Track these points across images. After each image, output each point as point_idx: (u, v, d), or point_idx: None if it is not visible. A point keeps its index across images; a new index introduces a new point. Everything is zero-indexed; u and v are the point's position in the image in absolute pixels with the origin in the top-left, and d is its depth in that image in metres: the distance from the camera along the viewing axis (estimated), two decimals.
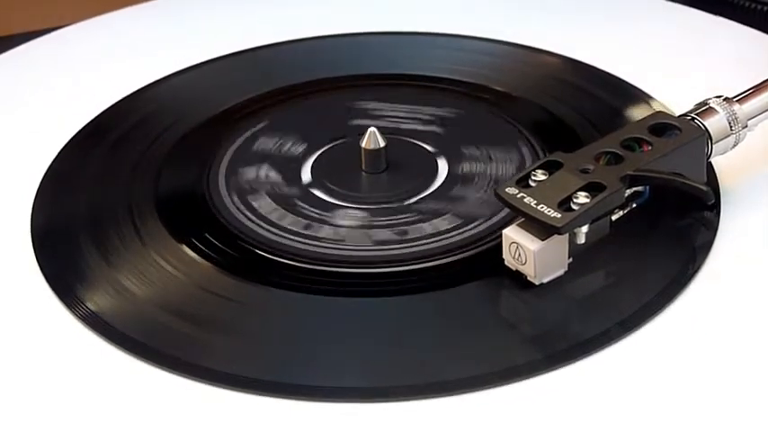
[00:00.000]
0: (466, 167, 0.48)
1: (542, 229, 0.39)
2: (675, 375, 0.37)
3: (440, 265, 0.42)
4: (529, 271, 0.39)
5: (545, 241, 0.39)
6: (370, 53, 0.58)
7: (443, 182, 0.47)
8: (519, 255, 0.39)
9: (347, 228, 0.44)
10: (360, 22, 0.61)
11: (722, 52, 0.56)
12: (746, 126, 0.44)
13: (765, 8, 0.61)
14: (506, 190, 0.40)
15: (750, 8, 0.62)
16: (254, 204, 0.46)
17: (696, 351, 0.38)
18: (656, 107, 0.51)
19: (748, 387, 0.36)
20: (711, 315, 0.39)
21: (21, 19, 0.68)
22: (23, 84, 0.57)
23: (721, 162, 0.46)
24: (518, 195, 0.40)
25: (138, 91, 0.55)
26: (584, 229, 0.40)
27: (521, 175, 0.41)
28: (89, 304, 0.41)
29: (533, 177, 0.40)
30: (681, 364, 0.37)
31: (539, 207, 0.39)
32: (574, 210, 0.39)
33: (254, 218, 0.45)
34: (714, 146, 0.43)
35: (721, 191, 0.45)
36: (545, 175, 0.40)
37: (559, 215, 0.38)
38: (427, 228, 0.44)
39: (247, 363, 0.38)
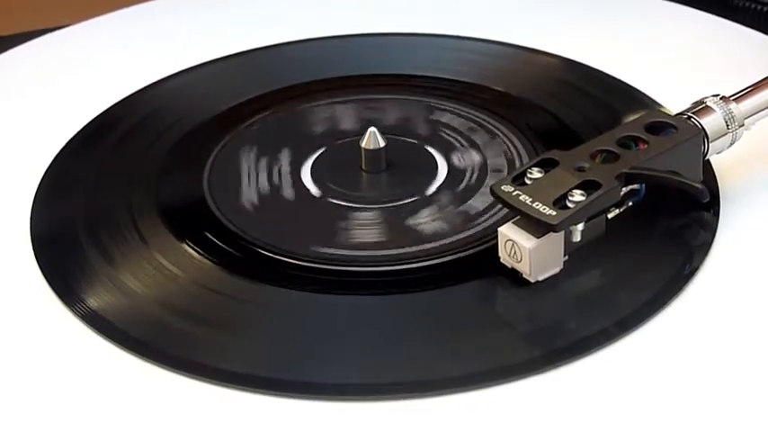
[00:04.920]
0: (465, 167, 0.48)
1: (538, 227, 0.39)
2: (674, 375, 0.37)
3: (436, 263, 0.42)
4: (524, 268, 0.40)
5: (540, 239, 0.39)
6: (369, 53, 0.58)
7: (443, 182, 0.47)
8: (514, 252, 0.40)
9: (346, 227, 0.44)
10: (359, 23, 0.61)
11: (722, 52, 0.56)
12: (743, 125, 0.44)
13: (765, 8, 0.61)
14: (502, 188, 0.40)
15: (750, 8, 0.62)
16: (255, 203, 0.46)
17: (695, 351, 0.38)
18: (655, 107, 0.51)
19: (746, 387, 0.36)
20: (710, 314, 0.39)
21: (21, 19, 0.68)
22: (24, 84, 0.57)
23: (721, 161, 0.46)
24: (514, 193, 0.40)
25: (139, 91, 0.56)
26: (580, 227, 0.40)
27: (516, 172, 0.41)
28: (90, 303, 0.41)
29: (529, 175, 0.40)
30: (679, 364, 0.37)
31: (534, 205, 0.39)
32: (569, 207, 0.39)
33: (254, 216, 0.45)
34: (711, 144, 0.43)
35: (721, 190, 0.45)
36: (541, 172, 0.40)
37: (554, 213, 0.39)
38: (425, 227, 0.44)
39: (248, 361, 0.38)
